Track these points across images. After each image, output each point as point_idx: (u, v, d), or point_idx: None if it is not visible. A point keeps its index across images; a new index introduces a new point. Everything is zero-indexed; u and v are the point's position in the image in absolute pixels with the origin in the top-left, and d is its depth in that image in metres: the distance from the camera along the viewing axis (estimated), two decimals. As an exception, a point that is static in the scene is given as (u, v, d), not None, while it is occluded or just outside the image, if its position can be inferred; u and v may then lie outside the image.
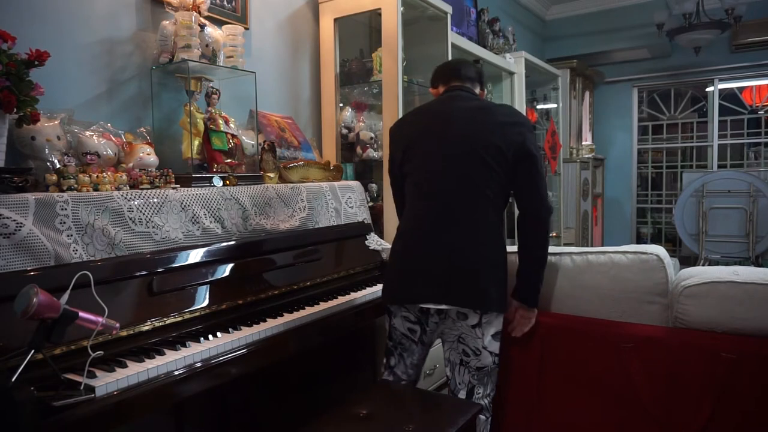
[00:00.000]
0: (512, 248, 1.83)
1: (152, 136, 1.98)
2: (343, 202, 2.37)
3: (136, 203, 1.58)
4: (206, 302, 1.64)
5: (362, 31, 3.09)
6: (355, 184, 2.50)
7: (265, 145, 2.24)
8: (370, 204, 2.69)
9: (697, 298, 1.58)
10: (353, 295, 2.01)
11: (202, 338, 1.49)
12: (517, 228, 1.77)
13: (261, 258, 1.88)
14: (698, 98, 5.84)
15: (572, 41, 5.73)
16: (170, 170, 1.81)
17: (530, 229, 1.72)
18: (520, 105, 4.14)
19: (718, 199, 4.90)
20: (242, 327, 1.61)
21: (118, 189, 1.61)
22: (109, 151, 1.75)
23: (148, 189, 1.67)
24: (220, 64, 2.10)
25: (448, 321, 1.73)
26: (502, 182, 1.68)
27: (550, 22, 5.94)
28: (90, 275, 1.24)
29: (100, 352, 1.24)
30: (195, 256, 1.66)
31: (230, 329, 1.58)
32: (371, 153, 2.85)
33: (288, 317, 1.73)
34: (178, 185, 1.80)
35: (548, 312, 1.82)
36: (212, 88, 2.08)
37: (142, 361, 1.32)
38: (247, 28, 2.41)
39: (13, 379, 1.06)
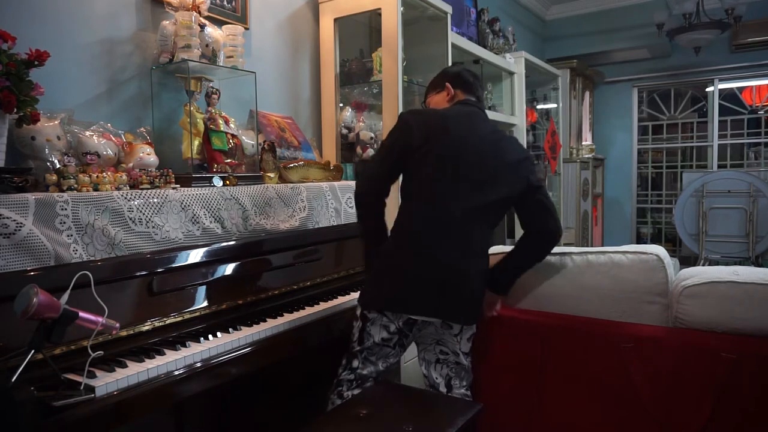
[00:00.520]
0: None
1: (152, 136, 1.98)
2: (343, 202, 2.37)
3: (136, 203, 1.58)
4: (206, 302, 1.64)
5: (362, 31, 3.09)
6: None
7: (265, 145, 2.24)
8: (370, 204, 2.68)
9: (697, 298, 1.58)
10: (353, 295, 2.01)
11: (202, 338, 1.50)
12: (526, 241, 1.77)
13: (261, 258, 1.88)
14: (698, 98, 5.84)
15: (572, 41, 5.72)
16: (170, 170, 1.81)
17: (547, 246, 1.77)
18: (520, 105, 4.13)
19: (718, 199, 4.89)
20: (242, 327, 1.61)
21: (118, 189, 1.61)
22: (109, 151, 1.75)
23: (148, 189, 1.67)
24: (220, 64, 2.10)
25: (431, 328, 1.75)
26: (505, 209, 1.79)
27: (550, 22, 5.94)
28: (90, 275, 1.24)
29: (100, 352, 1.25)
30: (195, 256, 1.66)
31: (230, 329, 1.58)
32: (371, 153, 2.85)
33: (288, 317, 1.73)
34: (178, 185, 1.80)
35: (548, 312, 1.82)
36: (212, 88, 2.07)
37: (142, 361, 1.32)
38: (247, 28, 2.41)
39: (13, 379, 1.06)
